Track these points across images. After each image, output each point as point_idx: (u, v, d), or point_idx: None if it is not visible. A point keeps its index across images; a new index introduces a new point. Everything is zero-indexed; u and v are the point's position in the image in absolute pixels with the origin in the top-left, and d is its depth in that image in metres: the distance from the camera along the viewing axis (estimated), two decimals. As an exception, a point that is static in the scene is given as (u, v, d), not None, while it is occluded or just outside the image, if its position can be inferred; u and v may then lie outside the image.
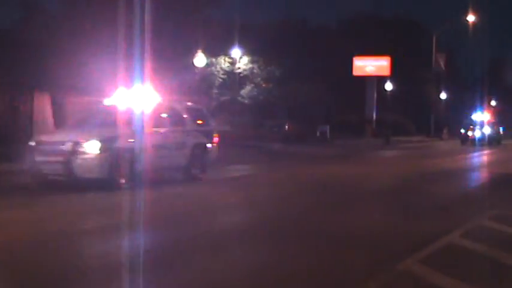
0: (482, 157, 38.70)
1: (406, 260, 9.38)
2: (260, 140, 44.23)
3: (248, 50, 48.69)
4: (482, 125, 56.88)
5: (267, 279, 8.49)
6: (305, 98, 59.94)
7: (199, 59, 29.42)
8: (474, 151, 44.95)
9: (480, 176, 25.74)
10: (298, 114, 59.79)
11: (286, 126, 51.32)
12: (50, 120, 27.16)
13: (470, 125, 57.70)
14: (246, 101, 50.59)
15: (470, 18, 65.86)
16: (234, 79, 47.44)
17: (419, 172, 25.77)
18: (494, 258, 9.73)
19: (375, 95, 67.22)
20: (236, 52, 46.77)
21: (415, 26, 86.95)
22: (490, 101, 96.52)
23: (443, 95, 72.55)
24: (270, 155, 33.29)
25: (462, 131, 57.90)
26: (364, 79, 68.19)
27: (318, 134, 56.11)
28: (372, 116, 66.80)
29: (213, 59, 43.27)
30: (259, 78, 50.57)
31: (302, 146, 43.57)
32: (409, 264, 9.19)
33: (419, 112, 73.91)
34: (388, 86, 58.79)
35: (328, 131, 56.43)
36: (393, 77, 63.57)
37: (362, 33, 75.57)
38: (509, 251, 10.10)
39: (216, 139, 21.24)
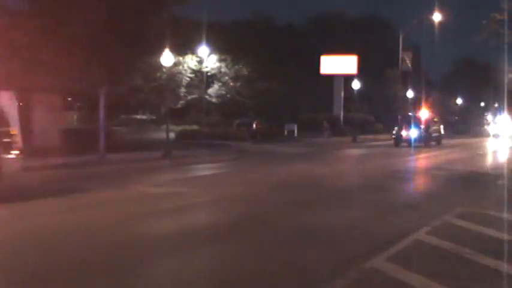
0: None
1: (374, 257, 9.43)
2: (228, 138, 44.19)
3: (216, 49, 48.60)
4: (418, 123, 47.83)
5: (239, 276, 8.49)
6: (273, 96, 60.01)
7: (167, 58, 29.19)
8: (411, 153, 39.53)
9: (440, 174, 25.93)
10: (266, 113, 59.83)
11: (254, 125, 51.32)
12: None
13: (406, 123, 48.01)
14: (214, 100, 50.47)
15: (437, 17, 66.30)
16: (201, 78, 47.26)
17: (385, 170, 25.90)
18: (460, 255, 9.80)
19: (343, 94, 67.45)
20: (204, 51, 46.61)
21: (382, 25, 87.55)
22: (455, 99, 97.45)
23: (410, 94, 72.89)
24: (237, 153, 33.20)
25: (395, 131, 48.53)
26: (332, 77, 68.40)
27: (285, 132, 56.15)
28: (339, 114, 67.02)
29: (181, 58, 43.06)
30: (226, 77, 50.48)
31: (270, 145, 43.58)
32: (376, 261, 9.23)
33: (387, 110, 74.28)
34: (356, 85, 58.99)
35: (296, 130, 56.47)
36: (361, 75, 63.74)
37: (329, 31, 75.91)
38: (475, 248, 10.17)
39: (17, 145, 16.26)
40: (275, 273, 8.72)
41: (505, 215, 13.59)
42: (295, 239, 11.13)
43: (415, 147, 43.62)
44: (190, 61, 45.35)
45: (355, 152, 41.34)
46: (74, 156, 25.62)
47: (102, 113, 26.72)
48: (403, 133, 46.97)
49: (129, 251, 9.94)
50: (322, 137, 54.13)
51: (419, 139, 46.14)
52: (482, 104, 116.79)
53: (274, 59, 63.13)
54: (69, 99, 53.96)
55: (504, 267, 9.06)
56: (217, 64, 49.17)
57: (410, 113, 52.62)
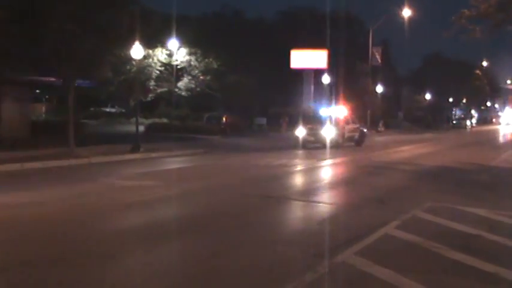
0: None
1: (343, 252, 9.46)
2: (198, 132, 44.10)
3: (185, 42, 48.32)
4: (329, 122, 38.07)
5: (207, 271, 8.47)
6: (243, 90, 59.97)
7: (136, 51, 29.01)
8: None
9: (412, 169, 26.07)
10: (235, 107, 59.84)
11: (224, 119, 51.28)
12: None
13: (315, 122, 38.90)
14: (184, 93, 50.16)
15: (406, 12, 66.75)
16: (171, 71, 47.02)
17: (355, 164, 26.03)
18: (428, 249, 9.89)
19: (312, 88, 67.59)
20: (173, 44, 46.37)
21: (352, 20, 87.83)
22: (424, 94, 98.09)
23: (379, 89, 73.38)
24: (207, 147, 33.13)
25: (298, 131, 38.89)
26: (302, 72, 68.51)
27: (255, 126, 56.16)
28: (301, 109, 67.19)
29: (150, 51, 42.78)
30: (196, 71, 50.16)
31: (239, 138, 43.58)
32: (346, 256, 9.27)
33: (356, 105, 74.65)
34: (325, 79, 59.15)
35: (265, 123, 56.49)
36: (331, 70, 63.99)
37: (299, 26, 76.01)
38: (442, 242, 10.26)
39: None
40: (245, 268, 8.71)
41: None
42: (265, 233, 11.12)
43: (319, 149, 35.32)
44: (160, 54, 44.96)
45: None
46: (42, 148, 25.38)
47: (71, 105, 26.47)
48: (309, 132, 38.05)
49: (95, 245, 9.88)
50: (280, 131, 54.41)
51: (331, 140, 36.64)
52: (451, 99, 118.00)
53: (244, 53, 63.04)
54: (38, 91, 53.55)
55: (472, 261, 9.16)
56: (187, 57, 48.83)
57: (320, 112, 41.90)
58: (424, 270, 8.71)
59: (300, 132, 38.17)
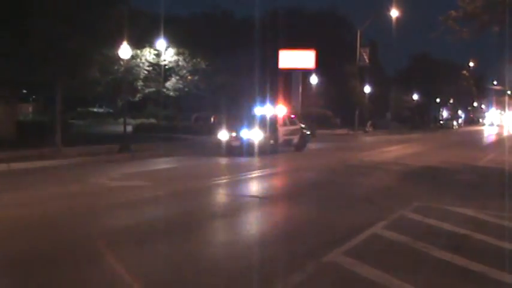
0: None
1: (331, 251, 9.48)
2: (186, 132, 44.02)
3: (174, 42, 48.36)
4: (259, 123, 31.61)
5: (193, 272, 8.45)
6: (230, 90, 59.94)
7: (124, 51, 28.93)
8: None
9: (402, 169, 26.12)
10: (224, 107, 59.76)
11: (212, 119, 51.18)
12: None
13: (243, 123, 32.17)
14: (172, 94, 50.22)
15: (394, 13, 66.96)
16: (159, 71, 47.00)
17: (343, 165, 26.06)
18: (416, 248, 9.93)
19: (300, 88, 67.66)
20: (161, 44, 46.37)
21: (340, 21, 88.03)
22: (412, 95, 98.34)
23: (367, 89, 73.55)
24: (194, 147, 33.05)
25: (221, 134, 31.77)
26: (290, 72, 68.54)
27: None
28: (297, 109, 67.21)
29: (138, 51, 42.75)
30: (184, 71, 50.24)
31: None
32: (334, 256, 9.29)
33: (344, 105, 74.79)
34: (314, 80, 59.21)
35: (253, 124, 56.39)
36: (318, 70, 64.05)
37: (287, 26, 75.99)
38: (430, 242, 10.31)
39: None
40: (232, 269, 8.69)
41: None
42: (254, 232, 11.13)
43: (245, 156, 29.31)
44: (148, 54, 45.02)
45: (315, 146, 41.50)
46: (29, 149, 25.25)
47: (58, 105, 26.36)
48: (236, 135, 31.35)
49: (82, 245, 9.85)
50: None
51: (260, 144, 30.61)
52: (438, 100, 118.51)
53: (232, 53, 63.03)
54: (24, 91, 53.33)
55: (459, 260, 9.20)
56: (175, 57, 48.93)
57: (254, 111, 34.89)
58: (412, 270, 8.74)
59: (223, 135, 31.55)
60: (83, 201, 14.27)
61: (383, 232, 11.22)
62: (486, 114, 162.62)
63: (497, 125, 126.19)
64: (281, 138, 33.28)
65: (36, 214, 12.45)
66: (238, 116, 36.31)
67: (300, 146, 35.04)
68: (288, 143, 34.11)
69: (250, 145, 30.30)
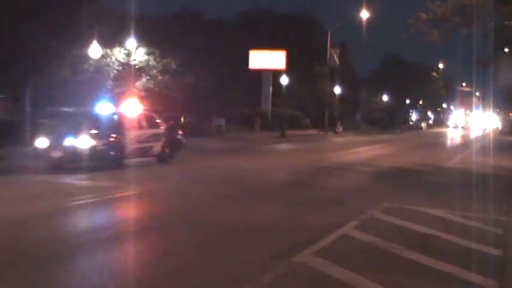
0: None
1: (301, 252, 9.53)
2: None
3: (144, 42, 48.11)
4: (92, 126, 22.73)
5: (163, 273, 8.43)
6: (201, 90, 59.88)
7: (94, 50, 28.79)
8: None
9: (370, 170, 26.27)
10: (194, 107, 59.67)
11: (182, 119, 51.05)
12: None
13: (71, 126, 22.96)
14: (142, 93, 49.96)
15: (365, 15, 67.28)
16: (129, 71, 46.74)
17: (313, 165, 26.14)
18: (385, 249, 10.02)
19: (271, 89, 67.75)
20: (132, 43, 46.13)
21: (310, 22, 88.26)
22: (382, 96, 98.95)
23: (337, 90, 73.78)
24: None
25: (39, 141, 22.23)
26: (260, 72, 68.62)
27: (213, 127, 56.05)
28: (267, 110, 67.36)
29: (108, 50, 42.50)
30: (155, 70, 50.03)
31: (198, 139, 43.37)
32: (304, 256, 9.33)
33: (315, 106, 74.98)
34: (284, 80, 59.36)
35: (223, 124, 56.47)
36: (289, 71, 64.17)
37: (258, 27, 76.11)
38: (399, 242, 10.42)
39: None
40: (201, 270, 8.70)
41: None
42: (222, 234, 11.13)
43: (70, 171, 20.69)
44: (118, 54, 44.76)
45: (287, 147, 41.56)
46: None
47: (27, 104, 26.14)
48: (57, 142, 21.76)
49: (49, 246, 9.77)
50: (255, 132, 54.68)
51: (95, 155, 21.79)
52: (408, 101, 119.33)
53: (202, 53, 62.92)
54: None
55: (428, 260, 9.31)
56: (146, 57, 48.68)
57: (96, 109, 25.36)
58: (382, 270, 8.82)
59: (41, 143, 22.03)
60: (55, 201, 14.13)
61: (353, 233, 11.30)
62: (450, 116, 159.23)
63: (462, 127, 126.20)
64: (131, 146, 23.95)
65: (2, 215, 12.33)
66: (69, 116, 28.02)
67: (165, 157, 25.79)
68: (143, 152, 24.91)
69: (76, 156, 21.45)
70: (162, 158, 25.57)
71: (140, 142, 24.53)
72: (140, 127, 24.93)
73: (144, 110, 27.41)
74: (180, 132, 28.89)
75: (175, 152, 26.62)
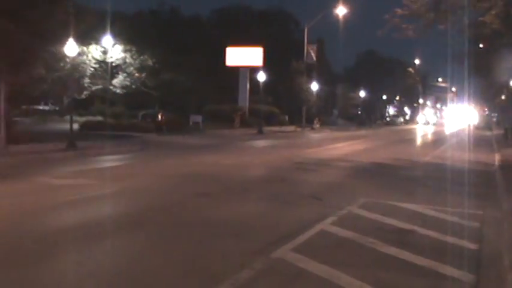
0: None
1: (279, 248, 9.55)
2: (133, 130, 43.67)
3: (120, 39, 47.95)
4: None
5: (142, 270, 8.41)
6: (178, 87, 59.80)
7: (70, 47, 28.57)
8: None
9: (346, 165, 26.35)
10: (171, 104, 59.59)
11: (159, 116, 50.91)
12: None
13: None
14: (119, 91, 49.78)
15: (341, 11, 67.52)
16: (106, 68, 46.52)
17: (291, 161, 26.16)
18: (363, 244, 10.07)
19: (248, 85, 67.76)
20: (108, 41, 45.89)
21: (287, 18, 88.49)
22: (359, 92, 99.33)
23: (314, 86, 73.93)
24: (142, 145, 32.82)
25: None
26: (237, 69, 68.63)
27: (191, 123, 55.97)
28: (245, 106, 67.37)
29: (85, 48, 42.27)
30: (131, 68, 49.89)
31: (175, 136, 43.33)
32: (282, 252, 9.35)
33: (292, 103, 75.17)
34: (261, 77, 59.39)
35: (201, 121, 56.42)
36: (266, 67, 64.25)
37: (235, 23, 76.21)
38: (377, 237, 10.48)
39: None
40: (180, 267, 8.69)
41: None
42: (201, 230, 11.11)
43: None
44: (94, 51, 44.54)
45: (264, 143, 41.58)
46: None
47: (2, 102, 25.93)
48: None
49: (30, 244, 9.72)
50: (234, 128, 54.85)
51: None
52: (385, 97, 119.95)
53: (179, 50, 62.85)
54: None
55: (405, 255, 9.37)
56: (122, 55, 48.56)
57: None
58: (360, 265, 8.86)
59: None
60: (26, 200, 14.06)
61: (331, 228, 11.35)
62: (422, 112, 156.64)
63: (434, 124, 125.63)
64: None
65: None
66: None
67: None
68: None
69: None
70: None
71: None
72: None
73: None
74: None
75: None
